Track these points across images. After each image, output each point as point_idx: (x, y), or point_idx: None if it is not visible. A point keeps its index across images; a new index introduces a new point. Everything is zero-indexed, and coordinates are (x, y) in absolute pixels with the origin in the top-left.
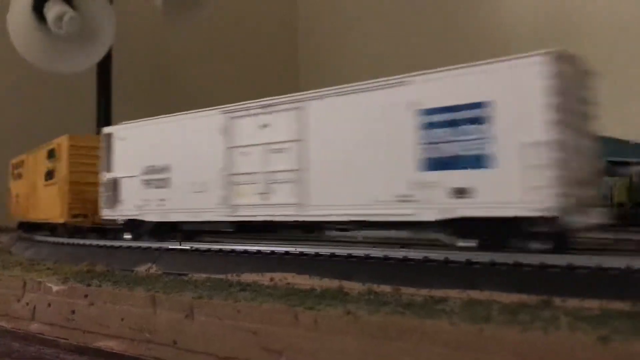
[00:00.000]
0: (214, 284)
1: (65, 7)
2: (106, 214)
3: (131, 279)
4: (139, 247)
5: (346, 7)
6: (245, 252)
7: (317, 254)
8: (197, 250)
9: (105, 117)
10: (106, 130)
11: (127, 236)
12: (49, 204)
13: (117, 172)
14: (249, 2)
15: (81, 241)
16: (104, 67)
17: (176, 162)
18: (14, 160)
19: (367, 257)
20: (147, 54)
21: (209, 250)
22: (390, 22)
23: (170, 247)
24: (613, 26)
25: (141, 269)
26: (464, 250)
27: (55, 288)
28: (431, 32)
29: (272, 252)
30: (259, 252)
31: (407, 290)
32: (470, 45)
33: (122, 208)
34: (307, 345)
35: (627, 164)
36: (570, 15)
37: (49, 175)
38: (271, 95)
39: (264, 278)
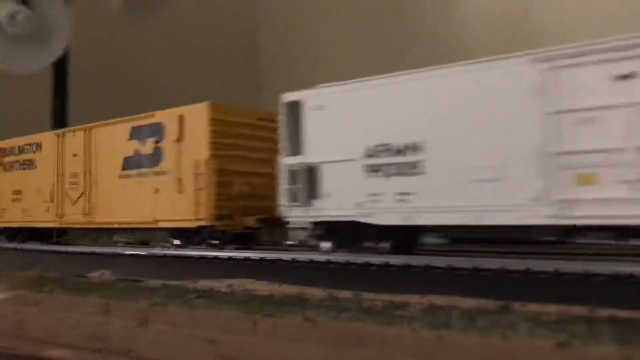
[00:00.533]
0: (169, 291)
1: (19, 6)
2: (292, 215)
3: (84, 286)
4: (92, 253)
5: (308, 8)
6: (203, 257)
7: (277, 260)
8: (152, 255)
9: (60, 118)
10: (289, 97)
11: (326, 245)
12: (148, 203)
13: (312, 156)
14: (210, 0)
15: (33, 246)
16: (60, 67)
17: (437, 138)
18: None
19: (328, 263)
20: (105, 53)
21: (164, 255)
22: (352, 24)
23: (124, 252)
24: (572, 26)
25: (94, 275)
26: (424, 255)
27: (2, 295)
28: (394, 35)
29: (230, 258)
30: (216, 258)
31: (368, 296)
32: (432, 47)
33: (325, 206)
34: (266, 353)
35: None
36: (529, 16)
37: (142, 161)
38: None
39: (222, 284)
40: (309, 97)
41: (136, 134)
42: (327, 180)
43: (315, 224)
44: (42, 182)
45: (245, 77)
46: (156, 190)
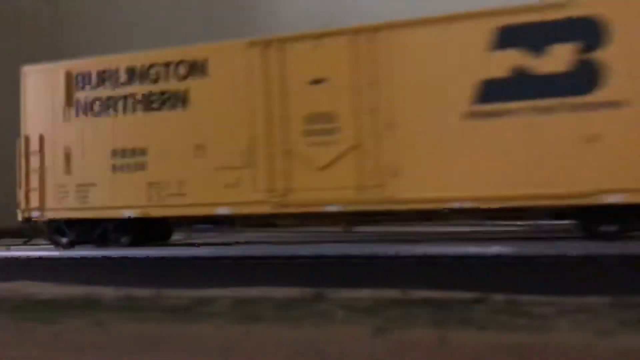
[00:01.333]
0: None
1: None
2: None
3: None
4: None
5: None
6: None
7: (67, 258)
8: None
9: None
10: None
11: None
12: (570, 162)
13: None
14: None
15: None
16: None
17: None
18: (118, 64)
19: (126, 258)
20: None
21: None
22: None
23: None
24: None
25: None
26: (234, 245)
27: None
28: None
29: (6, 258)
30: None
31: (171, 293)
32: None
33: None
34: None
35: None
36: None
37: (538, 87)
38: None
39: None
40: None
41: (514, 38)
42: None
43: None
44: (215, 133)
45: (46, 39)
46: (590, 139)
